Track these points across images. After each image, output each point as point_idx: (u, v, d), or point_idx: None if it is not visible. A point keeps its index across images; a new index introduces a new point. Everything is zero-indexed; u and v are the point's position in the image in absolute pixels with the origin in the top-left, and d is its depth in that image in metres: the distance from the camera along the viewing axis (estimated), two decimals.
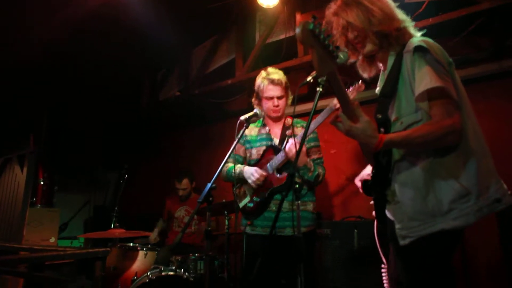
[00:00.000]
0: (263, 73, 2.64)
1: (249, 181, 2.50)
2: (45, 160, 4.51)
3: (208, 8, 3.74)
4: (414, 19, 1.60)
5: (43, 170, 4.39)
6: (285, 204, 2.42)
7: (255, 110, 2.45)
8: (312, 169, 2.49)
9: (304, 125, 2.65)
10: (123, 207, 4.18)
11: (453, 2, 2.67)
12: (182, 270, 2.87)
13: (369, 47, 1.56)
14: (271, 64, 3.55)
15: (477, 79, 2.93)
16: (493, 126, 2.76)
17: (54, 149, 4.84)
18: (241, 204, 2.63)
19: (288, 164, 2.49)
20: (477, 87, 2.95)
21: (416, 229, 1.39)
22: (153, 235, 4.12)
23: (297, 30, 1.12)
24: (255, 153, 2.64)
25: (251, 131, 2.71)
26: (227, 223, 3.12)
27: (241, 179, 2.60)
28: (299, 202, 1.91)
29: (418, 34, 1.56)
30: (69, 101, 4.79)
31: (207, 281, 2.31)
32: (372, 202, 1.61)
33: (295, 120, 2.72)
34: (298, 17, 3.40)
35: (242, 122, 2.36)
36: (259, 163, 2.60)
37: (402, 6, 1.59)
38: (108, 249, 2.56)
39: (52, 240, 4.01)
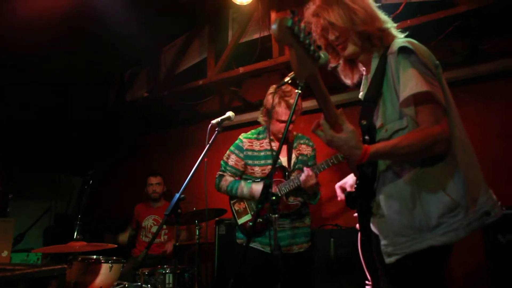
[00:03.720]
0: (278, 92, 2.38)
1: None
2: None
3: (179, 3, 3.54)
4: (392, 20, 1.50)
5: None
6: (287, 222, 2.43)
7: (228, 114, 2.30)
8: (317, 194, 2.49)
9: (307, 141, 2.61)
10: (88, 215, 3.90)
11: (431, 5, 2.63)
12: (149, 285, 2.67)
13: (351, 48, 1.45)
14: (244, 64, 3.43)
15: (451, 83, 2.90)
16: (467, 131, 2.75)
17: (9, 153, 4.45)
18: (241, 221, 2.51)
19: (298, 190, 2.43)
20: (451, 91, 2.93)
21: (403, 245, 1.29)
22: (122, 237, 3.89)
23: (273, 27, 0.97)
24: (259, 171, 2.49)
25: (253, 144, 2.54)
26: (197, 233, 2.95)
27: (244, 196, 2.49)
28: (276, 217, 1.75)
29: (402, 35, 1.46)
30: (27, 100, 4.43)
31: None
32: (356, 214, 1.50)
33: (296, 134, 2.62)
34: (273, 15, 3.27)
35: (213, 126, 2.22)
36: None
37: (380, 8, 1.49)
38: (65, 266, 2.30)
39: (5, 254, 3.65)
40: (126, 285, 2.54)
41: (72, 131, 4.95)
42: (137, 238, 3.96)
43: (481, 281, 2.44)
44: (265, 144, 2.52)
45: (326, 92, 1.21)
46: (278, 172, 2.46)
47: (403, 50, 1.30)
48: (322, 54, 1.25)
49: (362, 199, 1.41)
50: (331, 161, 2.36)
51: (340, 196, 1.64)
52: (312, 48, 1.07)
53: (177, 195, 1.82)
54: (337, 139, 1.20)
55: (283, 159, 2.51)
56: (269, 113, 2.44)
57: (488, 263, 2.13)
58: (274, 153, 2.49)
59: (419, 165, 1.28)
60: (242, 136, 2.59)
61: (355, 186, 1.43)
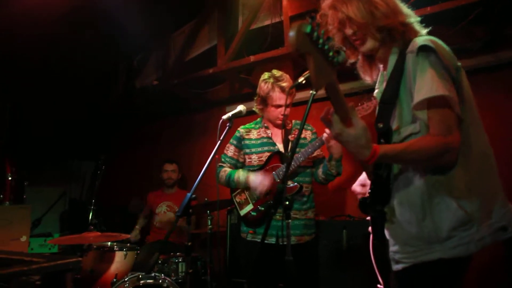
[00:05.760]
0: (270, 78, 2.45)
1: (256, 192, 2.39)
2: (11, 153, 4.19)
3: None
4: (410, 7, 1.41)
5: (10, 164, 4.08)
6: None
7: (239, 108, 2.26)
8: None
9: (305, 126, 2.53)
10: (102, 199, 3.97)
11: None
12: (162, 274, 2.72)
13: (369, 43, 1.37)
14: (255, 51, 3.34)
15: (471, 71, 2.79)
16: (487, 121, 2.64)
17: (22, 141, 4.51)
18: (243, 212, 2.52)
19: (298, 172, 2.40)
20: (471, 79, 2.80)
21: (411, 255, 1.26)
22: (134, 233, 3.95)
23: (291, 34, 0.91)
24: (256, 158, 2.51)
25: (250, 134, 2.58)
26: (209, 223, 2.98)
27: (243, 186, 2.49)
28: (288, 214, 1.72)
29: (424, 31, 1.37)
30: (37, 88, 4.43)
31: None
32: (368, 218, 1.47)
33: (294, 122, 2.62)
34: (285, 1, 3.14)
35: (225, 122, 2.17)
36: (262, 169, 2.47)
37: None
38: (80, 259, 2.37)
39: (24, 239, 3.76)
40: (140, 276, 2.58)
41: (82, 118, 4.96)
42: (151, 226, 4.02)
43: (498, 284, 2.40)
44: (261, 132, 2.56)
45: (343, 97, 1.15)
46: (275, 157, 2.47)
47: (423, 48, 1.22)
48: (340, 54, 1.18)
49: (377, 205, 1.38)
50: None
51: (361, 192, 1.60)
52: (331, 54, 1.01)
53: (189, 195, 1.81)
54: (346, 134, 1.13)
55: (280, 145, 2.51)
56: (264, 101, 2.48)
57: (507, 265, 2.08)
58: (271, 140, 2.52)
59: (431, 173, 1.23)
60: (240, 128, 2.64)
61: (369, 191, 1.40)
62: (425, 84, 1.18)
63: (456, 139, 1.16)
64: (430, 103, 1.18)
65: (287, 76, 2.47)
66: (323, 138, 2.30)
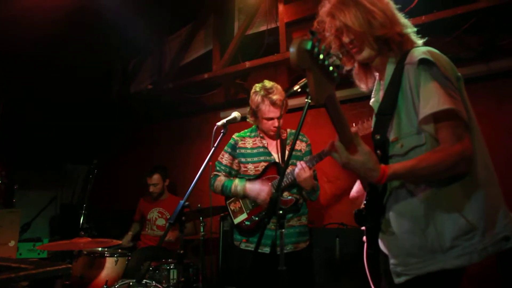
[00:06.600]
0: (261, 91, 2.39)
1: (258, 201, 2.36)
2: (2, 156, 4.13)
3: None
4: (405, 16, 1.41)
5: (0, 167, 4.01)
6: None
7: (233, 114, 2.24)
8: (316, 189, 2.41)
9: (300, 137, 2.54)
10: (93, 204, 3.92)
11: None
12: (153, 281, 2.68)
13: (366, 52, 1.36)
14: (250, 57, 3.34)
15: (465, 80, 2.81)
16: (480, 129, 2.67)
17: (13, 144, 4.44)
18: (236, 221, 2.49)
19: (296, 185, 2.37)
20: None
21: (414, 266, 1.25)
22: (126, 239, 3.89)
23: (291, 50, 0.89)
24: (253, 168, 2.48)
25: (245, 142, 2.54)
26: (202, 230, 2.95)
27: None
28: (282, 222, 1.70)
29: (420, 42, 1.37)
30: (30, 90, 4.39)
31: None
32: (363, 227, 1.46)
33: (289, 131, 2.59)
34: (281, 8, 3.15)
35: (219, 129, 2.15)
36: (259, 179, 2.44)
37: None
38: (70, 265, 2.32)
39: (12, 243, 3.70)
40: (131, 283, 2.54)
41: (76, 121, 4.91)
42: (142, 231, 3.97)
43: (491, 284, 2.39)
44: (257, 141, 2.53)
45: (342, 112, 1.14)
46: (271, 168, 2.44)
47: (423, 61, 1.22)
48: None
49: (372, 216, 1.37)
50: (324, 154, 2.30)
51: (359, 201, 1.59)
52: (331, 69, 1.00)
53: (182, 203, 1.78)
54: (353, 162, 1.14)
55: (276, 155, 2.48)
56: (255, 113, 2.46)
57: (498, 265, 2.07)
58: (267, 150, 2.49)
59: (434, 184, 1.22)
60: (235, 135, 2.60)
61: (365, 202, 1.39)
62: (431, 97, 1.18)
63: (469, 146, 1.16)
64: (437, 117, 1.18)
65: (279, 87, 2.42)
66: (295, 173, 2.26)
